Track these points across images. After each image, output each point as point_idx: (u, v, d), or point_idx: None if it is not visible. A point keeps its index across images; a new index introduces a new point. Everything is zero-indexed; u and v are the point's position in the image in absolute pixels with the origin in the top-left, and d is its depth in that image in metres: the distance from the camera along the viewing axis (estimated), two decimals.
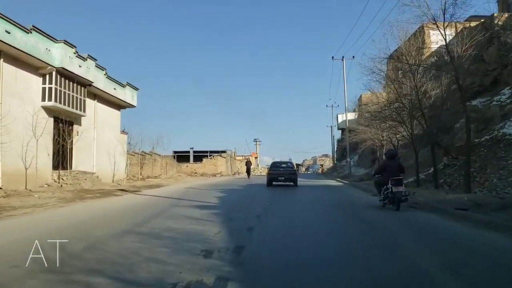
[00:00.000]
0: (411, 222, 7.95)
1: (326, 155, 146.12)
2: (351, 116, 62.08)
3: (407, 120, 15.37)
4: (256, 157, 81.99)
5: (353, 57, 32.95)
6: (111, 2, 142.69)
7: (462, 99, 12.94)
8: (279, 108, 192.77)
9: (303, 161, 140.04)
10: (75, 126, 17.86)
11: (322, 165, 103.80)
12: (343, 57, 32.76)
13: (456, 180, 14.39)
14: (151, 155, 26.06)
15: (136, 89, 22.83)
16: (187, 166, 39.72)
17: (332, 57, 33.17)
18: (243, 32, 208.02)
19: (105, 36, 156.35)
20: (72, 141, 16.41)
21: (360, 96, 54.54)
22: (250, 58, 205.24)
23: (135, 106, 22.82)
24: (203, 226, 6.96)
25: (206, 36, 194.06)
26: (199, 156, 43.14)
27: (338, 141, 67.10)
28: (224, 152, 44.73)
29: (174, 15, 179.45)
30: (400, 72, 16.14)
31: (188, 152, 43.73)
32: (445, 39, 11.61)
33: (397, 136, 18.06)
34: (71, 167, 17.34)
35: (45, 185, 15.40)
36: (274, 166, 20.70)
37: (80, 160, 18.10)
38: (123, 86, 21.39)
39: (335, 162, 62.23)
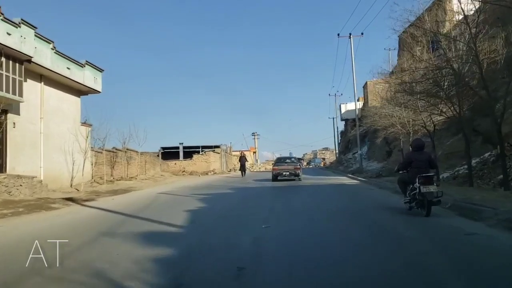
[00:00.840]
0: None
1: (326, 149, 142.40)
2: (358, 104, 57.99)
3: (453, 94, 11.08)
4: (254, 152, 77.78)
5: (362, 33, 28.57)
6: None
7: None
8: (278, 102, 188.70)
9: (303, 155, 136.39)
10: (10, 116, 13.52)
11: (324, 159, 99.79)
12: (350, 34, 28.38)
13: None
14: (125, 152, 21.73)
15: (100, 70, 18.44)
16: (175, 163, 35.31)
17: (338, 34, 28.72)
18: (241, 27, 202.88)
19: (100, 34, 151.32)
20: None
21: (366, 84, 50.36)
22: (249, 52, 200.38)
23: (99, 92, 18.46)
24: None
25: (203, 31, 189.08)
26: (191, 152, 38.73)
27: (342, 132, 62.97)
28: (218, 147, 40.31)
29: (171, 10, 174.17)
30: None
31: (178, 148, 39.29)
32: None
33: (434, 118, 13.83)
34: (3, 170, 13.08)
35: None
36: (279, 161, 21.86)
37: (19, 160, 13.80)
38: (81, 65, 17.02)
39: (340, 155, 58.04)
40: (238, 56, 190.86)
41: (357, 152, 44.56)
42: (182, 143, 39.48)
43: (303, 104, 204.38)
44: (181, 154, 38.80)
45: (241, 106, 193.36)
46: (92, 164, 18.26)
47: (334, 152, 75.92)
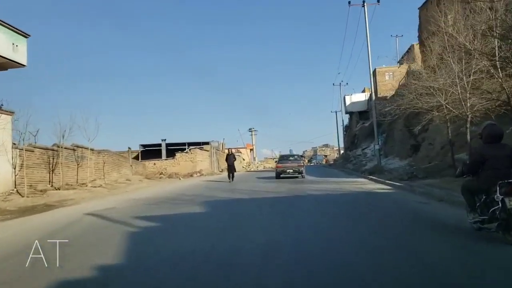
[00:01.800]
0: None
1: (326, 145, 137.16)
2: (362, 97, 52.74)
3: None
4: (251, 149, 72.59)
5: (378, 1, 23.20)
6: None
7: None
8: (277, 98, 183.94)
9: (303, 152, 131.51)
10: None
11: (326, 156, 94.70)
12: (364, 1, 23.03)
13: None
14: (74, 150, 16.49)
15: (24, 35, 13.14)
16: (154, 164, 30.08)
17: (349, 2, 23.26)
18: (240, 24, 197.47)
19: (100, 34, 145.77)
20: None
21: (375, 71, 45.19)
22: (247, 48, 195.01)
23: (24, 65, 13.20)
24: None
25: (200, 30, 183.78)
26: (175, 150, 33.45)
27: (346, 127, 57.92)
28: (206, 143, 35.01)
29: (171, 8, 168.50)
30: None
31: (160, 145, 33.95)
32: None
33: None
34: None
35: None
36: (282, 159, 22.30)
37: None
38: None
39: (346, 151, 52.86)
40: (236, 52, 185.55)
41: (366, 147, 39.36)
42: (165, 140, 34.15)
43: (303, 100, 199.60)
44: (163, 152, 33.54)
45: (239, 102, 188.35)
46: (14, 168, 13.03)
47: (337, 148, 70.80)
